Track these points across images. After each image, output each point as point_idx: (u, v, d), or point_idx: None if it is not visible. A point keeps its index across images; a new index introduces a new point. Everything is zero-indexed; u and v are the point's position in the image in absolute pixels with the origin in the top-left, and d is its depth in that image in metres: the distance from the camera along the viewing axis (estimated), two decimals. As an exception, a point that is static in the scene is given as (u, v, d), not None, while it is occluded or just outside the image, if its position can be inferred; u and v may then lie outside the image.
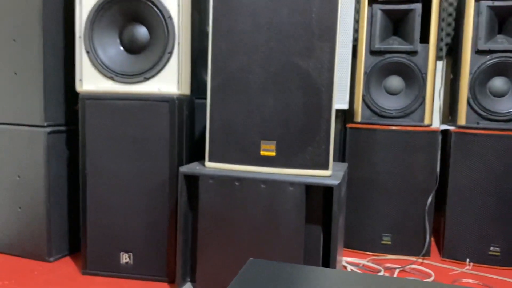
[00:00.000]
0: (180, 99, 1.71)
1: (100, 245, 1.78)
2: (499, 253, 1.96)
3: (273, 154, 1.53)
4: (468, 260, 1.96)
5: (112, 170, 1.74)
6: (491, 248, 1.97)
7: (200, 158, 1.67)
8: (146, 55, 1.69)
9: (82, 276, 1.80)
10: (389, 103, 2.05)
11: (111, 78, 1.69)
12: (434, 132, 2.01)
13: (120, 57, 1.73)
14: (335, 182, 1.48)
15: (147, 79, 1.67)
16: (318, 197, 1.59)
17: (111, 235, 1.76)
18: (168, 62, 1.65)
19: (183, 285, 1.68)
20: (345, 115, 2.25)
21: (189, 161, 1.80)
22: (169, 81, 1.67)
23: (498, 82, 1.94)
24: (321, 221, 1.62)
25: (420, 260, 2.02)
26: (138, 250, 1.77)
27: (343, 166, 1.81)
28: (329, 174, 1.53)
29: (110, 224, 1.76)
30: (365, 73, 2.05)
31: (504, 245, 1.96)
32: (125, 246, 1.78)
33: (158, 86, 1.67)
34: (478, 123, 1.94)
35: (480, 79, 1.92)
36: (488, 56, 1.90)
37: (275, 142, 1.53)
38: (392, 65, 2.02)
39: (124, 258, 1.79)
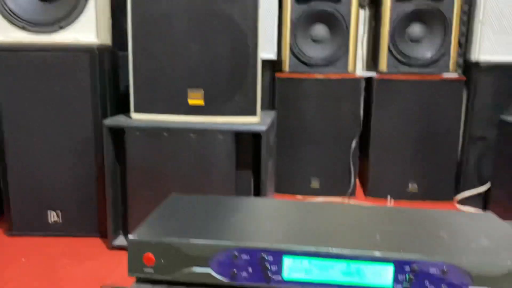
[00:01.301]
0: (101, 49, 1.63)
1: (25, 205, 1.71)
2: (417, 190, 2.13)
3: (201, 102, 1.52)
4: (389, 197, 2.11)
5: (32, 127, 1.64)
6: (410, 185, 2.13)
7: (126, 112, 1.62)
8: (61, 2, 1.58)
9: (8, 238, 1.73)
10: (315, 52, 2.09)
11: (23, 28, 1.57)
12: (357, 80, 2.09)
13: (32, 5, 1.60)
14: (262, 128, 1.51)
15: (62, 28, 1.56)
16: (248, 144, 1.62)
17: (37, 194, 1.69)
18: (85, 9, 1.55)
19: (115, 238, 1.67)
20: (274, 66, 2.27)
21: (115, 114, 1.74)
22: (87, 29, 1.57)
23: (416, 29, 2.03)
24: (251, 167, 1.65)
25: (346, 200, 2.14)
26: (67, 207, 1.72)
27: (272, 114, 1.84)
28: (257, 121, 1.55)
29: (35, 183, 1.69)
30: (291, 22, 2.06)
31: (421, 182, 2.13)
32: (52, 204, 1.72)
33: (75, 36, 1.58)
34: (397, 69, 2.03)
35: (400, 26, 2.00)
36: (407, 3, 1.98)
37: (202, 90, 1.52)
38: (317, 14, 2.04)
39: (52, 216, 1.73)
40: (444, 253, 0.56)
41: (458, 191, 2.11)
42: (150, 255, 0.57)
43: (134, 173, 1.56)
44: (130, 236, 0.58)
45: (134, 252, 0.58)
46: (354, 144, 2.11)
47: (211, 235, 0.59)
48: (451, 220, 0.71)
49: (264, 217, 0.69)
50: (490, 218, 0.72)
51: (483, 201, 2.07)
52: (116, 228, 1.66)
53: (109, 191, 1.59)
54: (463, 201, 2.10)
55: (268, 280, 0.57)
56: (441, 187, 2.13)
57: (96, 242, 1.74)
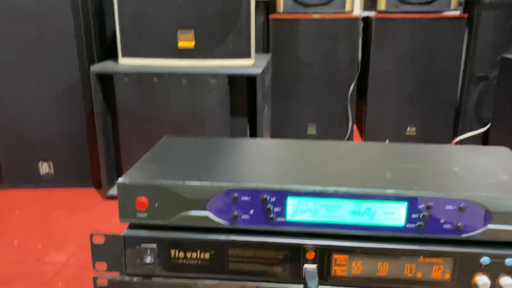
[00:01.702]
0: (82, -12, 1.52)
1: (15, 157, 1.66)
2: (415, 133, 2.09)
3: (192, 44, 1.44)
4: (387, 141, 2.08)
5: (16, 76, 1.56)
6: (408, 129, 2.09)
7: (114, 57, 1.54)
8: None
9: (0, 191, 1.70)
10: (311, -10, 1.98)
11: (-5, -34, 1.45)
12: (355, 20, 1.99)
13: None
14: (257, 70, 1.44)
15: (39, -35, 1.45)
16: (242, 89, 1.55)
17: (27, 145, 1.64)
18: None
19: (110, 188, 1.64)
20: (268, 7, 2.16)
21: (102, 60, 1.66)
22: (66, -34, 1.46)
23: (416, -37, 1.92)
24: (246, 113, 1.60)
25: (344, 145, 2.11)
26: (58, 158, 1.67)
27: (267, 57, 1.76)
28: (251, 64, 1.48)
29: (24, 134, 1.63)
30: (285, -43, 1.93)
31: (419, 125, 2.09)
32: (43, 155, 1.67)
33: (54, -27, 1.46)
34: (397, 7, 1.93)
35: (400, -40, 1.89)
36: None
37: (193, 31, 1.43)
38: None
39: (44, 168, 1.69)
40: (461, 189, 0.52)
41: (456, 133, 2.08)
42: (142, 199, 0.53)
43: (125, 120, 1.50)
44: (120, 180, 0.53)
45: (125, 196, 0.53)
46: (352, 87, 2.04)
47: (209, 177, 0.54)
48: (464, 155, 0.67)
49: (264, 158, 0.64)
50: (505, 152, 0.68)
51: (482, 144, 2.04)
52: (110, 178, 1.63)
53: (100, 140, 1.53)
54: (462, 144, 2.07)
55: (271, 222, 0.53)
56: (439, 129, 2.10)
57: (90, 193, 1.72)
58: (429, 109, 2.07)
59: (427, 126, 2.08)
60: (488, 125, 1.97)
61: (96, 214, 1.55)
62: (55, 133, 1.64)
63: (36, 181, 1.70)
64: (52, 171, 1.70)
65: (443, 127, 2.10)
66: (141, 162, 0.60)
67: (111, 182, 1.65)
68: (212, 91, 1.47)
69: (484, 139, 2.01)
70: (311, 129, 2.13)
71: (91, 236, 0.54)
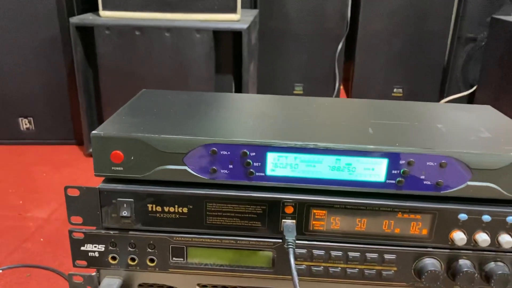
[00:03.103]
0: None
1: (-7, 113, 1.62)
2: (401, 94, 2.09)
3: (175, -3, 1.39)
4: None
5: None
6: (395, 90, 2.08)
7: (96, 10, 1.47)
8: None
9: (-22, 147, 1.66)
10: None
11: None
12: (345, -25, 1.93)
13: None
14: (243, 26, 1.40)
15: None
16: (228, 44, 1.51)
17: (5, 100, 1.60)
18: None
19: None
20: (256, -40, 2.08)
21: (82, 13, 1.60)
22: None
23: None
24: (232, 70, 1.56)
25: (330, 105, 2.09)
26: (38, 114, 1.63)
27: (254, 12, 1.71)
28: (237, 18, 1.43)
29: (2, 90, 1.58)
30: None
31: (405, 86, 2.08)
32: (23, 111, 1.63)
33: None
34: (389, -36, 1.88)
35: None
36: None
37: (176, -18, 1.38)
38: None
39: (24, 123, 1.65)
40: (443, 145, 0.51)
41: (443, 95, 2.08)
42: (117, 152, 0.51)
43: (106, 75, 1.46)
44: (94, 132, 0.51)
45: (99, 149, 0.51)
46: (340, 46, 2.01)
47: (187, 130, 0.53)
48: (448, 113, 0.66)
49: (245, 112, 0.63)
50: (488, 110, 0.67)
51: (468, 105, 2.05)
52: (92, 135, 1.60)
53: (81, 95, 1.50)
54: (448, 105, 2.07)
55: (250, 176, 0.52)
56: (426, 91, 2.09)
57: (72, 149, 1.69)
58: (416, 70, 2.05)
59: (414, 87, 2.08)
60: (475, 87, 1.97)
61: (79, 171, 1.53)
62: (35, 89, 1.60)
63: (16, 137, 1.67)
64: (33, 127, 1.66)
65: (429, 88, 2.09)
66: (117, 115, 0.58)
67: (94, 139, 1.62)
68: (197, 46, 1.43)
69: (470, 101, 2.02)
70: (298, 89, 2.11)
71: (65, 188, 0.52)
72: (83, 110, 1.52)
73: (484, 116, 0.65)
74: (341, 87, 2.25)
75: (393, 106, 0.69)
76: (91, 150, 1.64)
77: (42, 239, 1.15)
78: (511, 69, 1.59)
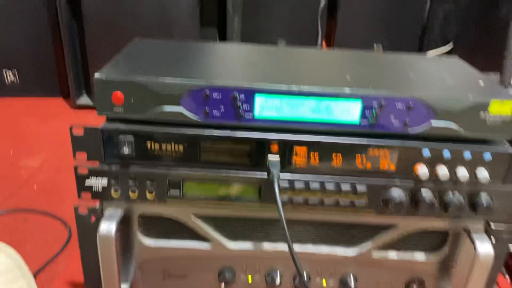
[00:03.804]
0: None
1: (-24, 64, 1.62)
2: (382, 51, 2.14)
3: None
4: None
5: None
6: (375, 46, 2.12)
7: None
8: None
9: (-38, 100, 1.67)
10: None
11: None
12: None
13: None
14: (228, -21, 1.42)
15: None
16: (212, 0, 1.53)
17: (-13, 52, 1.60)
18: None
19: (79, 98, 1.64)
20: None
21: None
22: None
23: None
24: (216, 24, 1.59)
25: (312, 61, 2.14)
26: (23, 66, 1.64)
27: (238, -35, 1.71)
28: (222, -28, 1.44)
29: (-17, 41, 1.58)
30: None
31: (386, 43, 2.12)
32: (7, 63, 1.63)
33: None
34: None
35: None
36: None
37: None
38: None
39: (9, 76, 1.66)
40: (410, 90, 0.58)
41: (422, 51, 2.14)
42: (118, 93, 0.56)
43: (91, 28, 1.47)
44: (96, 75, 0.56)
45: (102, 91, 0.56)
46: (323, 3, 2.03)
47: (182, 74, 0.58)
48: (420, 63, 0.72)
49: (235, 60, 0.68)
50: (457, 62, 0.74)
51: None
52: (79, 87, 1.62)
53: (66, 47, 1.51)
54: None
55: (239, 118, 0.58)
56: (405, 47, 2.14)
57: (59, 102, 1.71)
58: (397, 27, 2.10)
59: (394, 44, 2.13)
60: (452, 44, 2.03)
61: (66, 123, 1.54)
62: (19, 41, 1.60)
63: (1, 90, 1.67)
64: (17, 80, 1.67)
65: (409, 45, 2.14)
66: (115, 60, 0.62)
67: (80, 92, 1.65)
68: (181, 1, 1.44)
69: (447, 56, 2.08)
70: (280, 44, 2.14)
71: (71, 128, 0.57)
72: (68, 63, 1.54)
73: (451, 66, 0.71)
74: (324, 43, 2.29)
75: (370, 57, 0.75)
76: (77, 102, 1.66)
77: (35, 187, 1.20)
78: (486, 25, 1.65)
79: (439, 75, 0.65)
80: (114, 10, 1.43)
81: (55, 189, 1.20)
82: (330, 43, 2.25)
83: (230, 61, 0.67)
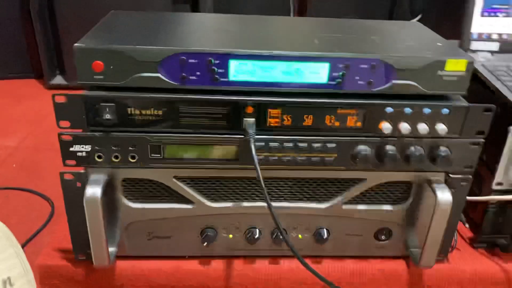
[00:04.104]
0: None
1: None
2: (351, 24, 2.19)
3: None
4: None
5: None
6: (346, 20, 2.17)
7: None
8: None
9: None
10: None
11: None
12: None
13: None
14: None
15: None
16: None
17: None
18: None
19: (52, 78, 1.63)
20: None
21: None
22: None
23: None
24: (188, 1, 1.59)
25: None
26: (-7, 47, 1.62)
27: None
28: None
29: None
30: None
31: (357, 17, 2.17)
32: (-24, 44, 1.61)
33: None
34: None
35: None
36: None
37: None
38: None
39: (-21, 57, 1.63)
40: (374, 51, 0.62)
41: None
42: (98, 62, 0.58)
43: (62, 6, 1.46)
44: (76, 44, 0.58)
45: (82, 60, 0.58)
46: (293, -23, 2.05)
47: (158, 42, 0.60)
48: (384, 27, 0.76)
49: (210, 28, 0.71)
50: (418, 26, 0.79)
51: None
52: (52, 67, 1.61)
53: (38, 28, 1.50)
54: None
55: (215, 82, 0.61)
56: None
57: (32, 83, 1.70)
58: (367, 1, 2.14)
59: (364, 17, 2.17)
60: (420, 16, 2.09)
61: (42, 103, 1.55)
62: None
63: (-29, 72, 1.65)
64: (-12, 60, 1.64)
65: (380, 18, 2.19)
66: (94, 31, 0.64)
67: (53, 72, 1.64)
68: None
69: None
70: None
71: (53, 96, 0.60)
72: (41, 42, 1.52)
73: (413, 30, 0.76)
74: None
75: (338, 23, 0.80)
76: (51, 82, 1.65)
77: (14, 165, 1.21)
78: (451, -3, 1.70)
79: (401, 38, 0.69)
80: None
81: (34, 167, 1.21)
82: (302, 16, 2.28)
83: (205, 29, 0.70)
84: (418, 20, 2.09)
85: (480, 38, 0.89)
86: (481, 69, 0.83)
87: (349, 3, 2.12)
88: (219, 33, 0.68)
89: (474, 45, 0.89)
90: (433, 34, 0.75)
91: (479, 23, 0.88)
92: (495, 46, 0.89)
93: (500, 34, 0.89)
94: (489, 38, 0.89)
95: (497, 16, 0.88)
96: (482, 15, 0.88)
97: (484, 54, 0.89)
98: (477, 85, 0.83)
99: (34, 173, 1.18)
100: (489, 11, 0.88)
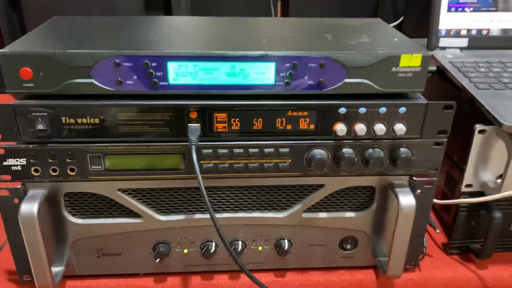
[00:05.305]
0: None
1: None
2: (334, 28, 2.16)
3: None
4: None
5: None
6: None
7: None
8: None
9: None
10: None
11: None
12: None
13: None
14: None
15: None
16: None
17: None
18: None
19: None
20: None
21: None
22: None
23: None
24: (162, 8, 1.56)
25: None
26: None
27: None
28: (162, -47, 1.42)
29: None
30: None
31: (338, 20, 2.15)
32: None
33: None
34: None
35: None
36: None
37: None
38: None
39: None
40: (323, 49, 0.58)
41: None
42: (26, 69, 0.54)
43: (31, 17, 1.42)
44: (1, 51, 0.54)
45: (9, 67, 0.54)
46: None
47: (90, 45, 0.57)
48: (341, 25, 0.73)
49: (151, 30, 0.67)
50: (378, 23, 0.75)
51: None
52: None
53: (7, 40, 1.46)
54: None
55: (154, 86, 0.57)
56: (358, 24, 2.17)
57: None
58: (348, 4, 2.11)
59: (347, 22, 2.15)
60: (401, 18, 2.06)
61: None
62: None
63: None
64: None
65: (362, 22, 2.17)
66: (26, 36, 0.61)
67: None
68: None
69: (399, 29, 2.12)
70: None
71: (-20, 107, 0.56)
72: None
73: (372, 27, 0.72)
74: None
75: (297, 22, 0.76)
76: None
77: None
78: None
79: (356, 35, 0.66)
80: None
81: None
82: (286, 25, 2.25)
83: (145, 31, 0.66)
84: (400, 22, 2.06)
85: (449, 34, 0.86)
86: (448, 67, 0.79)
87: (332, 7, 2.09)
88: (159, 35, 0.65)
89: (443, 42, 0.86)
90: (393, 30, 0.71)
91: (447, 19, 0.85)
92: (464, 42, 0.86)
93: (469, 30, 0.86)
94: (457, 34, 0.86)
95: (464, 11, 0.85)
96: (449, 11, 0.85)
97: (453, 51, 0.85)
98: (446, 83, 0.79)
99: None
100: (457, 6, 0.85)
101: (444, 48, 0.86)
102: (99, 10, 1.43)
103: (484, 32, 0.86)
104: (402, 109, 0.60)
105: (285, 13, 2.19)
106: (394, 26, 2.11)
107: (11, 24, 1.47)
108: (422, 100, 0.61)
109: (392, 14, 2.16)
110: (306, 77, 0.58)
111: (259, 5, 2.08)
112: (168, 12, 1.52)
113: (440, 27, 0.85)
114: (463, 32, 0.86)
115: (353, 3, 2.10)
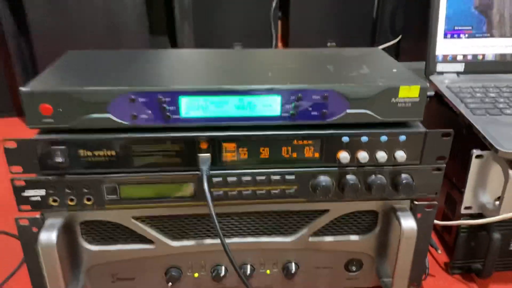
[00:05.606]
0: None
1: None
2: (335, 46, 2.20)
3: (102, -39, 1.40)
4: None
5: None
6: (328, 44, 2.19)
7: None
8: None
9: None
10: None
11: None
12: None
13: None
14: (173, -14, 1.44)
15: None
16: (160, 5, 1.55)
17: None
18: None
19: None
20: None
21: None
22: None
23: None
24: (166, 32, 1.61)
25: (268, 62, 2.18)
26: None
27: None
28: (166, -20, 1.47)
29: None
30: None
31: (338, 39, 2.19)
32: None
33: None
34: None
35: None
36: None
37: None
38: None
39: (-40, 98, 1.63)
40: (326, 82, 0.62)
41: (373, 45, 2.21)
42: (46, 105, 0.58)
43: (39, 42, 1.47)
44: (22, 89, 0.57)
45: (30, 104, 0.58)
46: (274, 4, 2.07)
47: (107, 82, 0.60)
48: (342, 56, 0.76)
49: (163, 65, 0.70)
50: (377, 52, 0.78)
51: (395, 53, 2.19)
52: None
53: (16, 65, 1.50)
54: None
55: (167, 119, 0.60)
56: (357, 42, 2.21)
57: (13, 122, 1.69)
58: (348, 23, 2.16)
59: (346, 40, 2.19)
60: (399, 37, 2.11)
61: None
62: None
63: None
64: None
65: (361, 40, 2.21)
66: (43, 74, 0.64)
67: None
68: (129, 8, 1.46)
69: (396, 49, 2.16)
70: (237, 48, 2.17)
71: (3, 141, 0.59)
72: (20, 79, 1.53)
73: (371, 57, 0.76)
74: (280, 44, 2.33)
75: (299, 53, 0.79)
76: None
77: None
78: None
79: (356, 66, 0.69)
80: (61, 22, 1.43)
81: (10, 208, 1.19)
82: (285, 41, 2.30)
83: (157, 66, 0.70)
84: (399, 40, 2.11)
85: (445, 60, 0.89)
86: (446, 92, 0.82)
87: (331, 25, 2.14)
88: (171, 69, 0.68)
89: (440, 67, 0.89)
90: (391, 60, 0.74)
91: (443, 45, 0.89)
92: (460, 67, 0.89)
93: (464, 55, 0.89)
94: (454, 60, 0.89)
95: (460, 37, 0.88)
96: (445, 37, 0.88)
97: (450, 75, 0.89)
98: (444, 108, 0.82)
99: (8, 214, 1.16)
100: (452, 32, 0.88)
101: (441, 73, 0.89)
102: (105, 32, 1.47)
103: (480, 57, 0.89)
104: (402, 137, 0.63)
105: (286, 36, 2.25)
106: (392, 44, 2.16)
107: (19, 48, 1.51)
108: (421, 129, 0.64)
109: (390, 32, 2.22)
110: (310, 108, 0.61)
111: (259, 30, 2.13)
112: (172, 34, 1.57)
113: (437, 52, 0.89)
114: (459, 58, 0.89)
115: (352, 22, 2.16)
